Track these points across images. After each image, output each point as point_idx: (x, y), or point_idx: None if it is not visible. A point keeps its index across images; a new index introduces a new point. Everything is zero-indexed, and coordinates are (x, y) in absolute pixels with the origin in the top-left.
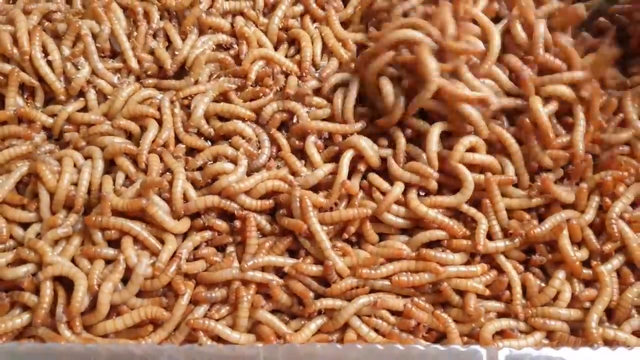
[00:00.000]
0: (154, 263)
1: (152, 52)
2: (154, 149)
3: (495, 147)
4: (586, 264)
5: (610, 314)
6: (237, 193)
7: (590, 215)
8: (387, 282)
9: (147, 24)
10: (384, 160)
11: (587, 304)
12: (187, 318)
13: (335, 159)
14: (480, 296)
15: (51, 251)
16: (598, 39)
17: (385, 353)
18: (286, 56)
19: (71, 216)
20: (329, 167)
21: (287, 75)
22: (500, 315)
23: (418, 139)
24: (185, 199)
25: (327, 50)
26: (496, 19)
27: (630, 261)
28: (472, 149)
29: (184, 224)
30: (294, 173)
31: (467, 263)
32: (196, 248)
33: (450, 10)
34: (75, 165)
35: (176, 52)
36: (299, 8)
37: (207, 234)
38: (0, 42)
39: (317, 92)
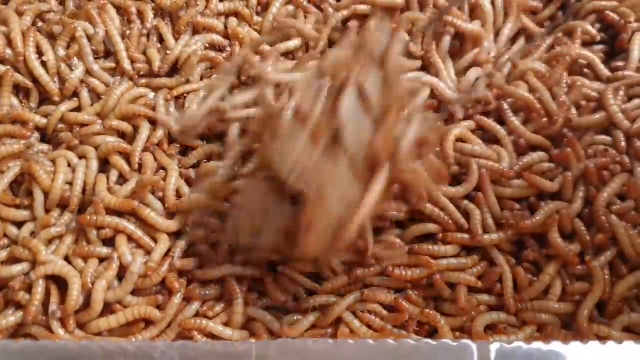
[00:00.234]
0: (146, 262)
1: (145, 52)
2: (147, 147)
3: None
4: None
5: (602, 307)
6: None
7: (578, 205)
8: (379, 278)
9: (140, 24)
10: None
11: (578, 297)
12: (178, 318)
13: None
14: (471, 289)
15: (45, 250)
16: None
17: (377, 348)
18: None
19: (65, 215)
20: None
21: None
22: (492, 308)
23: None
24: (179, 196)
25: None
26: None
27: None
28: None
29: (177, 223)
30: None
31: (458, 255)
32: (190, 245)
33: None
34: (69, 165)
35: (168, 52)
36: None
37: (201, 232)
38: None
39: None
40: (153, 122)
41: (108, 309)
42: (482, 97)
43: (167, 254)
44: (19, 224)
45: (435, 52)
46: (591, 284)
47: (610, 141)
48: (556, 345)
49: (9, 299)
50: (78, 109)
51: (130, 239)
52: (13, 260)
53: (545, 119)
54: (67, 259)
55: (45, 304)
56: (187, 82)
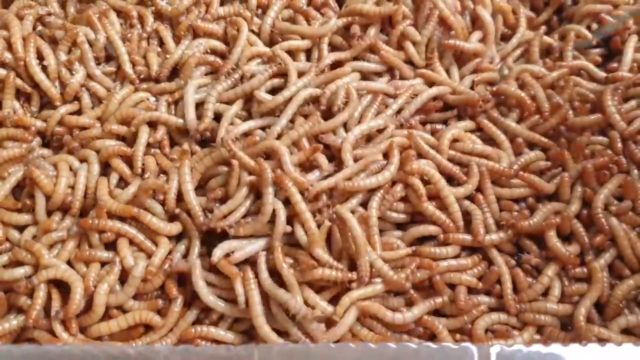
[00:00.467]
0: (147, 266)
1: (145, 56)
2: (148, 151)
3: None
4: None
5: (601, 309)
6: None
7: (576, 205)
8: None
9: (141, 28)
10: None
11: (577, 299)
12: (180, 324)
13: None
14: (471, 290)
15: (48, 254)
16: None
17: (378, 352)
18: None
19: (67, 219)
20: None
21: None
22: (491, 309)
23: None
24: (180, 199)
25: None
26: None
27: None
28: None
29: (177, 226)
30: None
31: (457, 256)
32: None
33: None
34: (70, 169)
35: (167, 56)
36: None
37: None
38: None
39: None
40: (152, 126)
41: (107, 312)
42: (480, 95)
43: (168, 256)
44: (21, 228)
45: (436, 60)
46: (590, 285)
47: (607, 141)
48: (555, 348)
49: (12, 303)
50: (79, 112)
51: (131, 242)
52: (15, 263)
53: (537, 116)
54: (69, 262)
55: (47, 307)
56: (187, 84)
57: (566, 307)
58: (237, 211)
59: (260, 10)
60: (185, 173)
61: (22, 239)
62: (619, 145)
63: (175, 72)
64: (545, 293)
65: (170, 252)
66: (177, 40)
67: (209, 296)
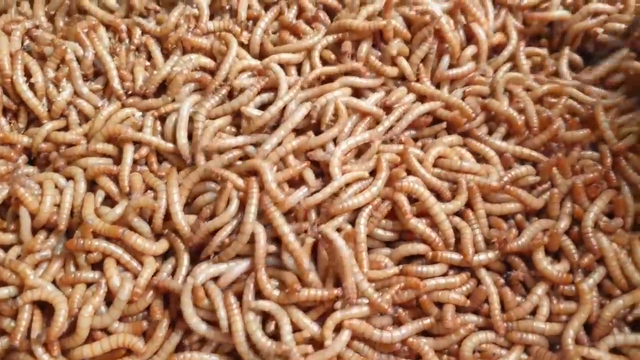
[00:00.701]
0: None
1: (132, 70)
2: (134, 168)
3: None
4: None
5: (589, 328)
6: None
7: (565, 222)
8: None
9: (129, 41)
10: None
11: (565, 318)
12: (164, 347)
13: None
14: (459, 309)
15: (33, 274)
16: None
17: None
18: None
19: (52, 238)
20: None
21: None
22: (479, 329)
23: None
24: (167, 217)
25: None
26: None
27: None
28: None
29: (163, 245)
30: None
31: (446, 274)
32: None
33: None
34: (56, 186)
35: (155, 72)
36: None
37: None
38: None
39: None
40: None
41: (91, 334)
42: (469, 110)
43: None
44: (6, 247)
45: (424, 76)
46: (578, 305)
47: (597, 156)
48: None
49: None
50: (66, 129)
51: (118, 262)
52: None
53: (527, 132)
54: (54, 281)
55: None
56: (173, 101)
57: (554, 326)
58: (224, 230)
59: (251, 22)
60: (174, 193)
61: (6, 258)
62: (609, 160)
63: (163, 86)
64: (534, 312)
65: (157, 272)
66: (167, 52)
67: (199, 325)
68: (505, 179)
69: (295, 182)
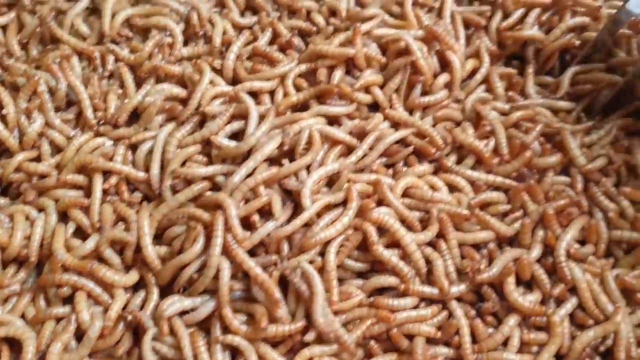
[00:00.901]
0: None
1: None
2: (105, 198)
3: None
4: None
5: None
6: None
7: (536, 251)
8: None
9: (102, 69)
10: None
11: (536, 349)
12: None
13: None
14: (430, 340)
15: (1, 310)
16: None
17: None
18: None
19: (22, 271)
20: None
21: None
22: None
23: None
24: (138, 248)
25: None
26: None
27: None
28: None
29: (133, 276)
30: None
31: (417, 305)
32: None
33: None
34: (27, 218)
35: (126, 100)
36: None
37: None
38: None
39: None
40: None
41: None
42: (439, 141)
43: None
44: None
45: (397, 103)
46: (549, 336)
47: (569, 181)
48: None
49: None
50: (38, 159)
51: (89, 295)
52: None
53: (495, 160)
54: (23, 315)
55: None
56: (145, 129)
57: (525, 357)
58: (190, 267)
59: (224, 48)
60: (145, 225)
61: None
62: (579, 184)
63: (135, 114)
64: (506, 342)
65: (126, 305)
66: (140, 80)
67: None
68: (472, 202)
69: (266, 211)
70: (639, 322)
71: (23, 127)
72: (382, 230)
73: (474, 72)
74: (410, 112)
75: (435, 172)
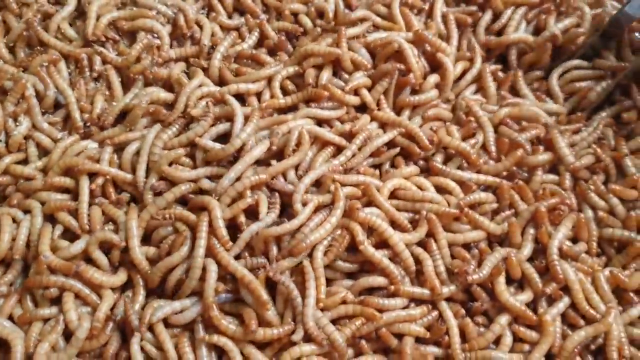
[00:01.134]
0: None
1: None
2: (93, 200)
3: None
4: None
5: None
6: None
7: (527, 250)
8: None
9: (89, 71)
10: None
11: (528, 348)
12: None
13: None
14: (420, 340)
15: None
16: None
17: None
18: None
19: (9, 273)
20: None
21: None
22: None
23: None
24: (127, 248)
25: None
26: None
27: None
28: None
29: (121, 276)
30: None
31: (407, 305)
32: None
33: None
34: (14, 220)
35: (114, 103)
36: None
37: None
38: None
39: None
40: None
41: None
42: (425, 142)
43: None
44: None
45: (385, 105)
46: (541, 334)
47: (557, 179)
48: None
49: None
50: (25, 162)
51: (77, 296)
52: None
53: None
54: (11, 316)
55: None
56: (130, 130)
57: (516, 356)
58: (176, 271)
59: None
60: (133, 227)
61: None
62: (568, 182)
63: (122, 116)
64: (497, 342)
65: (114, 305)
66: (128, 81)
67: None
68: (462, 202)
69: (253, 211)
70: (631, 320)
71: (10, 130)
72: (371, 231)
73: (464, 73)
74: (399, 111)
75: (424, 173)
